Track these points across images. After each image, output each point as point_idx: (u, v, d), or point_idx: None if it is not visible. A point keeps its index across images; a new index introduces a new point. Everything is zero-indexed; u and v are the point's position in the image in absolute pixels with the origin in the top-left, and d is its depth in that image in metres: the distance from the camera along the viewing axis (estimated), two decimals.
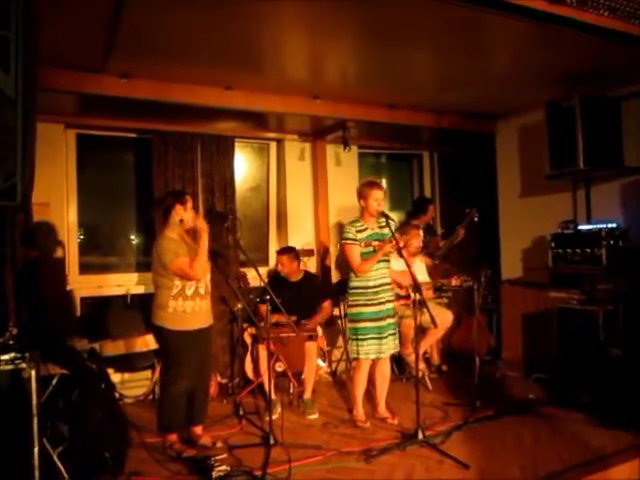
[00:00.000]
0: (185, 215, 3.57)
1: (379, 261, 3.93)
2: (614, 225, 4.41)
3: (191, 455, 3.43)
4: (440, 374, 5.26)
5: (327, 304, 4.88)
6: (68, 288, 4.80)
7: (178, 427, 3.61)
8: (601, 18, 3.37)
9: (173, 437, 3.58)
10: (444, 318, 4.75)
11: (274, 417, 3.80)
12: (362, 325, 3.91)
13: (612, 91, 4.56)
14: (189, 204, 3.62)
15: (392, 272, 4.13)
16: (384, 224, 3.95)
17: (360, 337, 3.91)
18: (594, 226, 4.53)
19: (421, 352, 4.61)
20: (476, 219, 5.30)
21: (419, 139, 6.42)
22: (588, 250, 4.41)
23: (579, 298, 4.43)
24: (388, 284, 4.03)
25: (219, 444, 3.66)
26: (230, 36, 3.47)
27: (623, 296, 4.17)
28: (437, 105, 5.33)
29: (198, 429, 3.72)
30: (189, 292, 3.51)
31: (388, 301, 3.99)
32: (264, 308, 3.74)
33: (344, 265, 4.06)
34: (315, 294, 4.87)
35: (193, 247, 3.58)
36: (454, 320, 5.00)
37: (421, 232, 5.04)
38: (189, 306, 3.51)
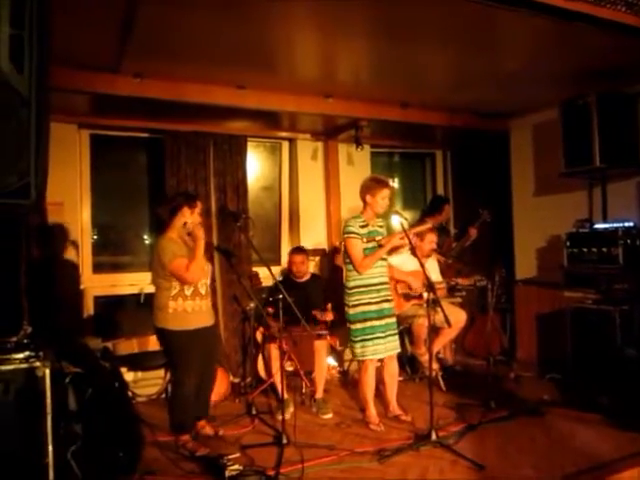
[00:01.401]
0: (190, 219, 3.56)
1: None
2: (631, 224, 4.35)
3: (204, 454, 3.43)
4: (453, 374, 5.20)
5: (329, 307, 4.84)
6: (82, 287, 4.83)
7: (191, 426, 3.63)
8: (618, 13, 3.33)
9: (186, 436, 3.59)
10: (458, 318, 4.70)
11: (286, 417, 3.78)
12: (369, 324, 3.87)
13: (629, 88, 4.49)
14: (197, 209, 3.61)
15: (401, 273, 4.10)
16: (382, 224, 4.01)
17: (368, 337, 3.87)
18: (610, 225, 4.48)
19: (434, 352, 4.57)
20: (488, 220, 5.26)
21: (432, 138, 6.39)
22: (604, 249, 4.36)
23: (594, 298, 4.37)
24: (387, 282, 4.01)
25: (221, 432, 3.73)
26: (243, 36, 3.48)
27: (639, 296, 4.11)
28: (450, 103, 5.29)
29: (201, 422, 3.77)
30: (188, 292, 3.51)
31: (388, 300, 3.98)
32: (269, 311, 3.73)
33: (346, 261, 4.01)
34: (320, 295, 4.85)
35: (193, 250, 3.58)
36: (468, 320, 4.96)
37: (435, 232, 5.00)
38: (189, 306, 3.51)
